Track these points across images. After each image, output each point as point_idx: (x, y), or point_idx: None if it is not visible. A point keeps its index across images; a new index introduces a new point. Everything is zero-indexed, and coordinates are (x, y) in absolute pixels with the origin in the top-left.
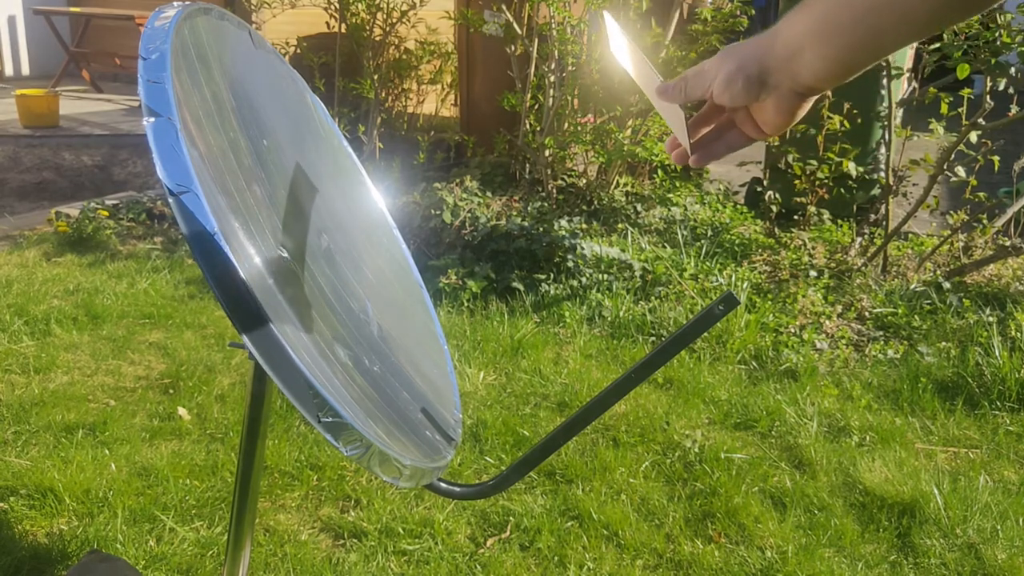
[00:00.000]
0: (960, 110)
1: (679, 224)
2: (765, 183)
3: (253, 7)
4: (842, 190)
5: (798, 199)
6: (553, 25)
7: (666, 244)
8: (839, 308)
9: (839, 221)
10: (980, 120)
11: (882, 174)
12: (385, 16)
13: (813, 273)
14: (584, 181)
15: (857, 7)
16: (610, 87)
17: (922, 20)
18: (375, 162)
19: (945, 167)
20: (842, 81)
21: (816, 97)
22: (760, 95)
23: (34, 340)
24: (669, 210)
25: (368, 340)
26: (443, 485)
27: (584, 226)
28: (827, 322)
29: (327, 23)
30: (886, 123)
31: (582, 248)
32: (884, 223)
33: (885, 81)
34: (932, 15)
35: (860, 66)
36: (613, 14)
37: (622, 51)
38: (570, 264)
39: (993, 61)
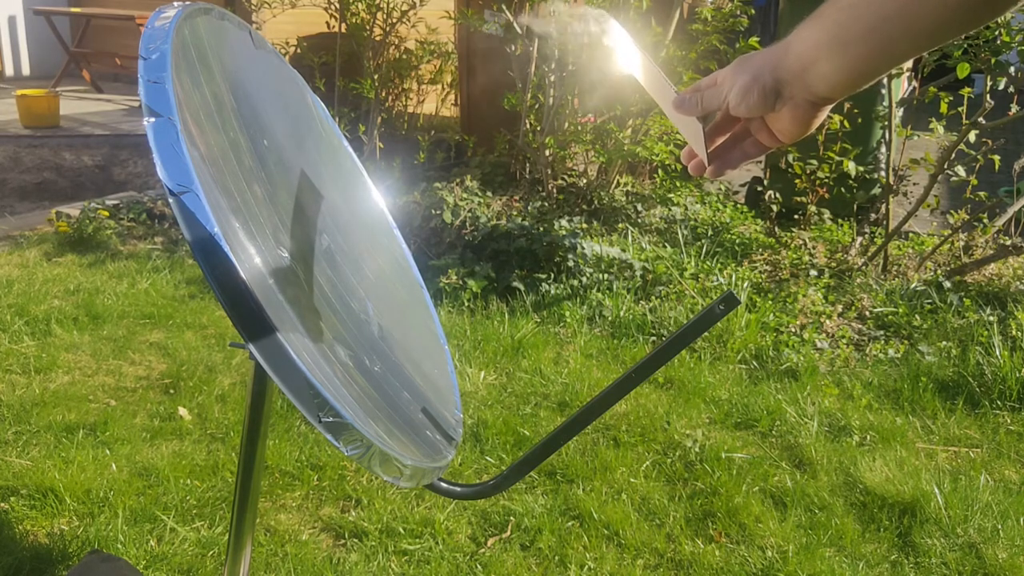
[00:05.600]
0: (960, 109)
1: (679, 224)
2: (765, 182)
3: (253, 7)
4: (842, 189)
5: (798, 198)
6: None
7: (666, 244)
8: (840, 307)
9: (839, 220)
10: (980, 119)
11: (882, 173)
12: (385, 16)
13: (814, 272)
14: (584, 181)
15: (869, 18)
16: (610, 86)
17: (933, 29)
18: (375, 162)
19: (945, 166)
20: (857, 89)
21: (833, 105)
22: (776, 105)
23: (35, 340)
24: (669, 210)
25: (369, 340)
26: (444, 485)
27: (584, 226)
28: (828, 321)
29: (327, 23)
30: (886, 122)
31: (582, 248)
32: (884, 222)
33: (885, 80)
34: (942, 24)
35: (874, 75)
36: (614, 14)
37: (632, 61)
38: (570, 264)
39: (993, 60)
